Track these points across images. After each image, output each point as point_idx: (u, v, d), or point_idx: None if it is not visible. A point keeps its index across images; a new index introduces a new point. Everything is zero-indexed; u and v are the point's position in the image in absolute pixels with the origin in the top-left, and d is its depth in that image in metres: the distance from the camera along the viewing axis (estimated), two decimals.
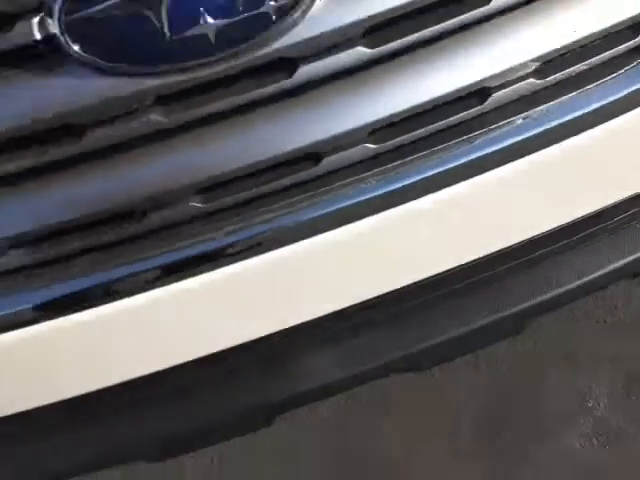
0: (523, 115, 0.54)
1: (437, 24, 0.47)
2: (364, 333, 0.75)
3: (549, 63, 0.51)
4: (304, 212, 0.52)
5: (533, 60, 0.50)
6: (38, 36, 0.40)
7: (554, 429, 1.07)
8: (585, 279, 0.78)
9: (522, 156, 0.55)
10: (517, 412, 1.09)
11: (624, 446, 1.04)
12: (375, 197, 0.53)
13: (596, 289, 0.82)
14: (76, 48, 0.40)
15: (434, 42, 0.48)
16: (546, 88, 0.53)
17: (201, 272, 0.54)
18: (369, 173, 0.52)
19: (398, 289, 0.65)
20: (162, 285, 0.54)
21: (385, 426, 1.10)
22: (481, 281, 0.75)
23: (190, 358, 0.62)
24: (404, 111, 0.49)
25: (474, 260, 0.65)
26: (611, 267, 0.78)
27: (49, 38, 0.40)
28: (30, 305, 0.51)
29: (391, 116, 0.49)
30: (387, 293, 0.65)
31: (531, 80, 0.52)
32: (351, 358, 0.75)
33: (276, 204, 0.51)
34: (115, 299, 0.53)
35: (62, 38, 0.40)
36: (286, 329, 0.63)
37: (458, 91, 0.50)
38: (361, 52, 0.45)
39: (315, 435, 1.12)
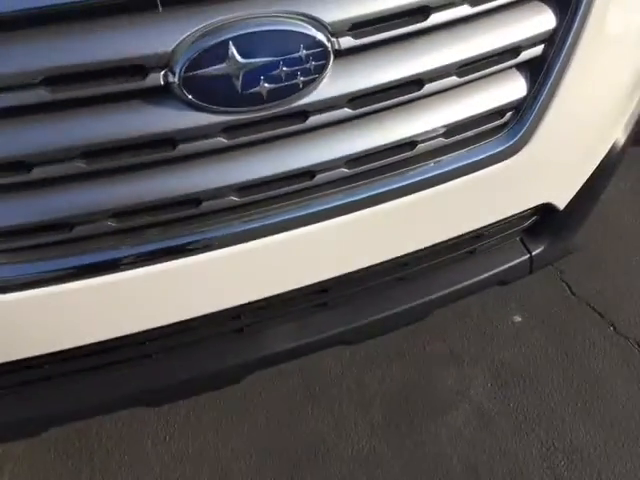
0: (434, 160, 0.86)
1: (388, 100, 0.78)
2: (315, 313, 1.02)
3: (452, 129, 0.84)
4: (299, 209, 0.80)
5: (443, 126, 0.82)
6: (162, 83, 0.66)
7: (445, 410, 1.38)
8: (467, 282, 1.10)
9: (431, 186, 0.87)
10: (417, 398, 1.39)
11: (494, 423, 1.37)
12: (343, 204, 0.82)
13: (475, 291, 1.15)
14: (188, 95, 0.66)
15: (387, 110, 0.79)
16: (448, 145, 0.85)
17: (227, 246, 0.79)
18: (342, 188, 0.81)
19: (342, 276, 0.93)
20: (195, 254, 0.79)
21: (314, 409, 1.36)
22: (399, 279, 1.05)
23: (198, 314, 0.86)
24: (366, 150, 0.79)
25: (397, 258, 0.95)
26: (485, 275, 1.12)
27: (168, 84, 0.66)
28: (111, 258, 0.74)
29: (358, 153, 0.79)
30: (333, 279, 0.92)
31: (441, 139, 0.84)
32: (304, 331, 1.01)
33: (283, 203, 0.78)
34: (167, 260, 0.77)
35: (177, 86, 0.66)
36: (261, 300, 0.89)
37: (398, 141, 0.81)
38: (346, 112, 0.75)
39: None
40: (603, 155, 1.07)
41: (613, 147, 1.08)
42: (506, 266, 1.12)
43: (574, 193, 1.09)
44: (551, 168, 0.99)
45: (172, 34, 0.64)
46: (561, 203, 1.09)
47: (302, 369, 1.44)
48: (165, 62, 0.65)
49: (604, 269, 1.65)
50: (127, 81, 0.65)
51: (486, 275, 1.11)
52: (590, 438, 1.33)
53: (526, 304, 1.59)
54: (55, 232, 0.71)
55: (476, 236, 1.06)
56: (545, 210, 1.09)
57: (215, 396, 1.41)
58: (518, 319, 1.56)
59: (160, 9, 0.64)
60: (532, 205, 1.02)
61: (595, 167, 1.08)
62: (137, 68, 0.65)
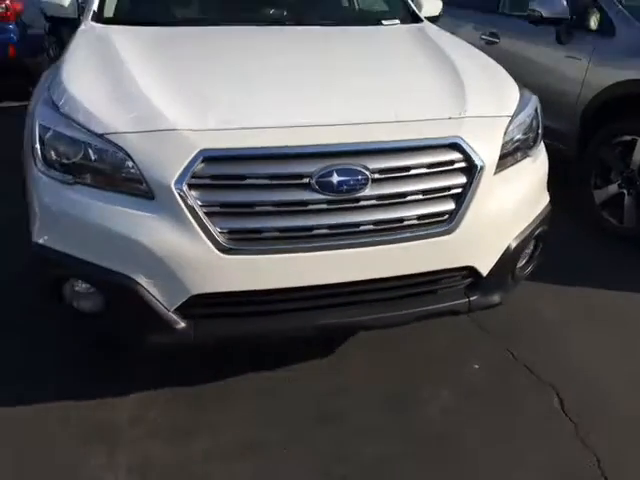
0: (411, 230, 1.97)
1: (393, 199, 1.93)
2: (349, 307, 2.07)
3: (420, 217, 1.97)
4: (349, 241, 1.92)
5: (415, 215, 1.96)
6: (308, 182, 1.83)
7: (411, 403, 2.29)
8: (430, 307, 2.12)
9: (409, 240, 1.96)
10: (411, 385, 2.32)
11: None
12: (369, 241, 1.93)
13: (437, 315, 2.17)
14: (317, 187, 1.84)
15: (392, 204, 1.94)
16: (418, 224, 1.97)
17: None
18: (370, 234, 1.93)
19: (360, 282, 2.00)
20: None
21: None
22: (391, 298, 2.10)
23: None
24: (382, 219, 1.94)
25: (384, 279, 2.01)
26: (441, 305, 2.14)
27: (310, 183, 1.84)
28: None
29: (379, 220, 1.93)
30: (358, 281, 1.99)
31: (414, 220, 1.96)
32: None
33: (345, 237, 1.91)
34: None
35: (314, 183, 1.84)
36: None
37: (396, 218, 1.96)
38: (375, 202, 1.92)
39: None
40: (502, 251, 2.14)
41: (508, 248, 2.15)
42: (454, 303, 2.15)
43: (489, 269, 2.14)
44: (470, 247, 2.07)
45: (313, 166, 1.84)
46: (484, 271, 2.14)
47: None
48: (310, 175, 1.84)
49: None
50: (295, 180, 1.85)
51: (442, 305, 2.14)
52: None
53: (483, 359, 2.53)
54: (255, 233, 1.85)
55: (436, 280, 2.11)
56: (474, 274, 2.14)
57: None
58: (476, 366, 2.50)
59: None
60: (460, 265, 2.08)
61: (497, 258, 2.14)
62: (299, 176, 1.84)
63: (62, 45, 7.60)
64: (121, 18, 2.84)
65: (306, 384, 2.38)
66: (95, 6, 2.83)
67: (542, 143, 2.46)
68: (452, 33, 5.04)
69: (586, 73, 3.90)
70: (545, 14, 4.11)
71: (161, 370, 2.45)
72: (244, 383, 2.39)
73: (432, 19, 3.52)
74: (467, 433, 2.18)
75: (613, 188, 3.75)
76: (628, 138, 3.62)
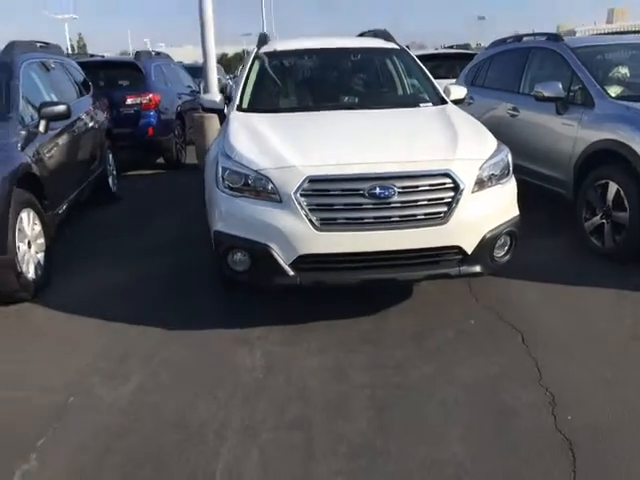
0: (422, 221, 3.49)
1: (410, 204, 3.47)
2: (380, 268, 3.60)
3: (427, 214, 3.50)
4: (384, 225, 3.45)
5: (423, 213, 3.48)
6: (363, 192, 3.42)
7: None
8: (435, 271, 3.63)
9: (419, 227, 3.49)
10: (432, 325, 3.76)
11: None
12: (396, 225, 3.47)
13: (440, 278, 3.67)
14: (367, 195, 3.41)
15: (410, 206, 3.48)
16: (425, 218, 3.50)
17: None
18: (395, 223, 3.47)
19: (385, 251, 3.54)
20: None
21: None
22: (408, 265, 3.62)
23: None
24: (404, 214, 3.47)
25: (404, 250, 3.55)
26: (442, 270, 3.62)
27: (364, 193, 3.42)
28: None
29: (403, 215, 3.46)
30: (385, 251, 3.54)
31: (422, 215, 3.49)
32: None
33: (382, 224, 3.46)
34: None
35: (366, 193, 3.41)
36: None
37: (412, 214, 3.49)
38: (400, 205, 3.46)
39: None
40: (479, 239, 3.61)
41: (484, 237, 3.62)
42: (450, 269, 3.63)
43: (472, 249, 3.60)
44: (457, 233, 3.55)
45: (365, 185, 3.45)
46: (468, 250, 3.60)
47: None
48: (363, 189, 3.46)
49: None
50: (355, 192, 3.45)
51: (442, 270, 3.63)
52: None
53: (476, 318, 3.92)
54: (334, 220, 3.44)
55: (438, 254, 3.59)
56: (462, 252, 3.60)
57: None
58: (472, 321, 3.90)
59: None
60: (452, 244, 3.56)
61: (476, 243, 3.60)
62: (357, 190, 3.46)
63: (184, 127, 9.82)
64: (251, 108, 4.73)
65: (359, 325, 3.88)
66: (237, 102, 4.78)
67: (512, 177, 3.93)
68: (488, 109, 6.77)
69: (576, 134, 5.34)
70: (546, 94, 5.64)
71: (276, 312, 4.07)
72: (322, 322, 3.93)
73: (459, 101, 5.12)
74: (459, 349, 3.59)
75: (597, 220, 5.09)
76: (603, 181, 4.99)
